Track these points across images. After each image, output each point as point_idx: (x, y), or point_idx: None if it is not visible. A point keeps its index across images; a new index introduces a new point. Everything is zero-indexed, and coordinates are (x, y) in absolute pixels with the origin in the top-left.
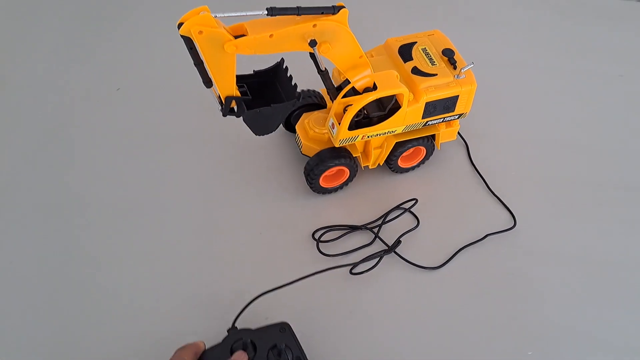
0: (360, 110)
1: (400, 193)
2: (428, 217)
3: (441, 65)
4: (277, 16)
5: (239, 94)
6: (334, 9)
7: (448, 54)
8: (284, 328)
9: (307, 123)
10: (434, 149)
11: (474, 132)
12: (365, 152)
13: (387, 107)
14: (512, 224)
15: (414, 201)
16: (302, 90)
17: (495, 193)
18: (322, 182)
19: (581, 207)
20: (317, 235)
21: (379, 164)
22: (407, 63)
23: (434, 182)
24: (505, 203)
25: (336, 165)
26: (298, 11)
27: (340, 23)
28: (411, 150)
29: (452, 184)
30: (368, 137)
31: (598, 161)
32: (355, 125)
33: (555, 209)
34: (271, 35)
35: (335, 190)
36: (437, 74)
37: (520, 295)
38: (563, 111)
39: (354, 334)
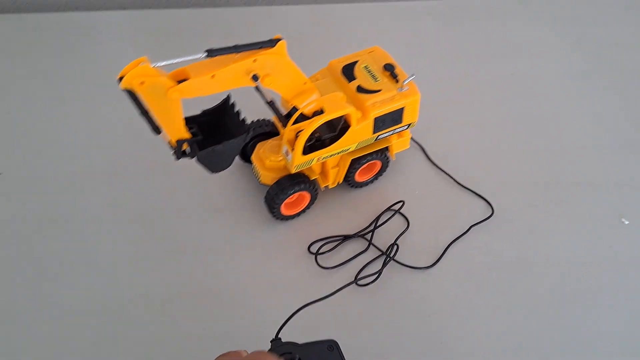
0: (312, 134)
1: (373, 204)
2: (411, 219)
3: (384, 80)
4: (216, 57)
5: (189, 136)
6: (272, 42)
7: (389, 68)
8: (332, 346)
9: (262, 153)
10: (389, 160)
11: (425, 136)
12: (324, 173)
13: (337, 128)
14: (491, 212)
15: (401, 203)
16: (253, 121)
17: (465, 185)
18: (284, 210)
19: (547, 189)
20: (313, 249)
21: (338, 182)
22: (351, 82)
23: (403, 188)
24: (478, 193)
25: (296, 191)
26: (236, 49)
27: (280, 55)
28: (367, 164)
29: (423, 186)
30: (323, 159)
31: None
32: (309, 149)
33: (525, 192)
34: (213, 76)
35: (298, 215)
36: (381, 90)
37: (516, 278)
38: (477, 113)
39: (384, 342)
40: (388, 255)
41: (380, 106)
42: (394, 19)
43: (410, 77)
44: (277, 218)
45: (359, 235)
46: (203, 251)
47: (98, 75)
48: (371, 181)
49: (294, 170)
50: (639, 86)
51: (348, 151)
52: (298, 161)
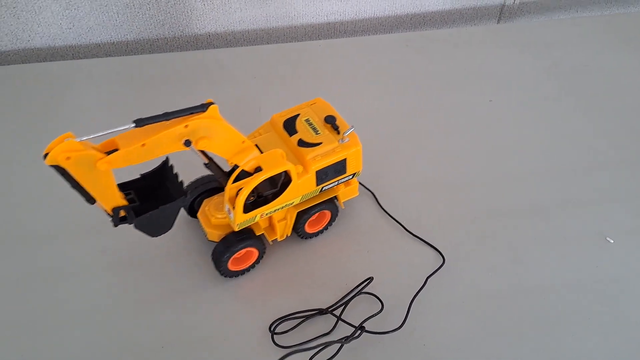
0: (252, 191)
1: (325, 257)
2: (372, 272)
3: (325, 132)
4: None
5: (125, 203)
6: (203, 107)
7: (330, 120)
8: None
9: (208, 210)
10: (338, 209)
11: (377, 180)
12: (271, 227)
13: (279, 183)
14: (442, 261)
15: (369, 280)
16: (197, 179)
17: (415, 234)
18: (231, 266)
19: (495, 231)
20: (272, 327)
21: (287, 234)
22: (292, 136)
23: (355, 237)
24: (428, 241)
25: (242, 248)
26: (166, 117)
27: (212, 118)
28: (315, 215)
29: (373, 236)
30: (267, 214)
31: (494, 188)
32: (252, 205)
33: (472, 237)
34: (143, 145)
35: (247, 271)
36: (322, 142)
37: (499, 311)
38: (448, 145)
39: None
40: (353, 337)
41: (321, 159)
42: (367, 52)
43: (350, 128)
44: (225, 276)
45: (329, 312)
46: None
47: (71, 125)
48: (321, 231)
49: (236, 229)
50: (612, 107)
51: (293, 204)
52: (240, 219)
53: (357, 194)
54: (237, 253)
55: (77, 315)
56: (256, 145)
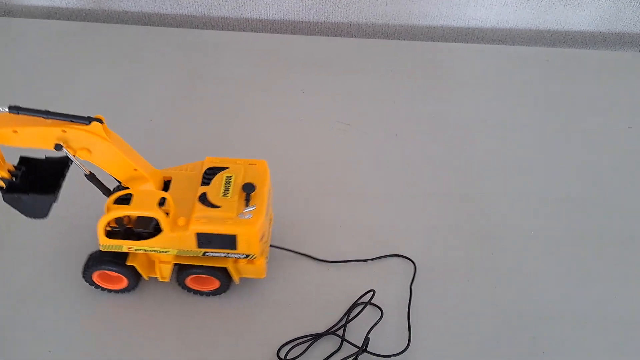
0: (119, 222)
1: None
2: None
3: (233, 199)
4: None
5: (6, 175)
6: (87, 120)
7: (247, 189)
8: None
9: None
10: (230, 282)
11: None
12: (149, 263)
13: (150, 226)
14: (414, 268)
15: (372, 292)
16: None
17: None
18: (98, 279)
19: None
20: (283, 354)
21: (167, 278)
22: (202, 187)
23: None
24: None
25: (107, 269)
26: (47, 115)
27: (95, 135)
28: (197, 275)
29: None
30: (135, 250)
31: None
32: (122, 234)
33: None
34: (15, 131)
35: (120, 292)
36: (220, 207)
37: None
38: (584, 166)
39: None
40: (363, 349)
41: (206, 223)
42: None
43: (251, 207)
44: (87, 281)
45: (333, 333)
46: None
47: None
48: (208, 295)
49: (102, 249)
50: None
51: (168, 254)
52: (102, 242)
53: (264, 276)
54: (106, 271)
55: None
56: (168, 181)
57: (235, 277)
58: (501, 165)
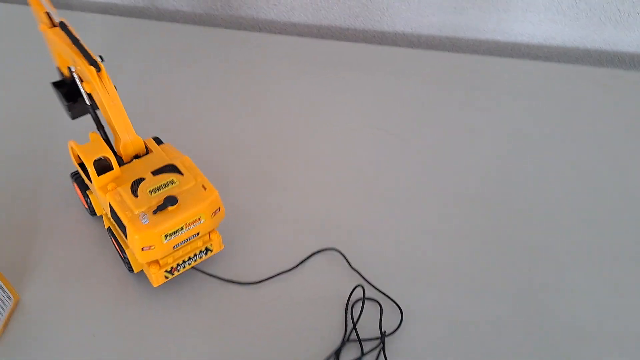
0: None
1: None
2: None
3: (152, 199)
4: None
5: (66, 74)
6: (93, 62)
7: (169, 201)
8: None
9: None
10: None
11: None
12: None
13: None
14: (400, 315)
15: (359, 287)
16: None
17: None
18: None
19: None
20: None
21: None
22: (150, 174)
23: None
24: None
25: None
26: (77, 42)
27: (92, 76)
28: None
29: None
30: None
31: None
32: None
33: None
34: (58, 42)
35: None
36: (137, 197)
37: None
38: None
39: None
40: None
41: (116, 200)
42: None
43: (144, 216)
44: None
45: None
46: None
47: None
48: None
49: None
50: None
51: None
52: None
53: (154, 285)
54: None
55: None
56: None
57: (134, 265)
58: (540, 181)
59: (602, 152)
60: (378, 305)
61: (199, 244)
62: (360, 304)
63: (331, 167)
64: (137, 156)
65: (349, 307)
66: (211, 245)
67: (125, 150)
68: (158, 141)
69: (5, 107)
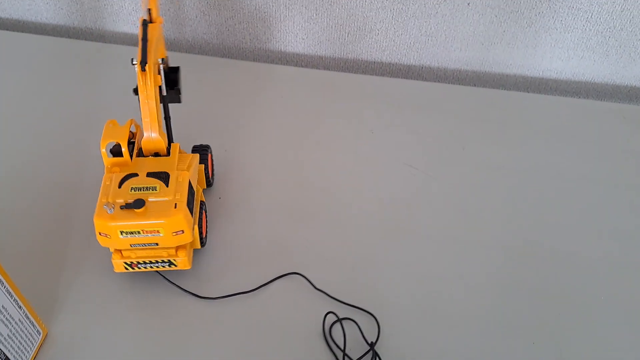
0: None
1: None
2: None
3: (127, 195)
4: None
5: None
6: (142, 62)
7: (136, 203)
8: None
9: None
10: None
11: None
12: None
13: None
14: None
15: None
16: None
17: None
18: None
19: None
20: None
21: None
22: (146, 173)
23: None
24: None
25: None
26: (143, 41)
27: (137, 73)
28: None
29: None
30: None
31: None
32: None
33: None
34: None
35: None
36: (120, 189)
37: None
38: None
39: None
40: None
41: (105, 184)
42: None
43: (112, 208)
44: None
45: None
46: None
47: None
48: None
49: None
50: None
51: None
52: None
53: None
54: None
55: None
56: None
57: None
58: (569, 221)
59: (637, 190)
60: (352, 322)
61: (163, 254)
62: (335, 328)
63: (354, 201)
64: (157, 154)
65: (328, 337)
66: (175, 260)
67: (144, 145)
68: (203, 149)
69: (37, 136)
